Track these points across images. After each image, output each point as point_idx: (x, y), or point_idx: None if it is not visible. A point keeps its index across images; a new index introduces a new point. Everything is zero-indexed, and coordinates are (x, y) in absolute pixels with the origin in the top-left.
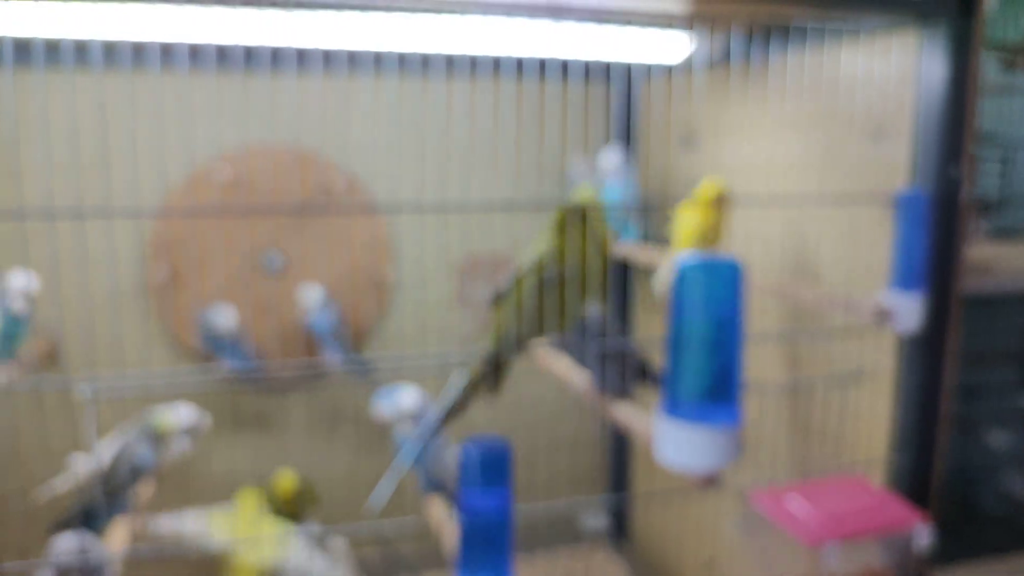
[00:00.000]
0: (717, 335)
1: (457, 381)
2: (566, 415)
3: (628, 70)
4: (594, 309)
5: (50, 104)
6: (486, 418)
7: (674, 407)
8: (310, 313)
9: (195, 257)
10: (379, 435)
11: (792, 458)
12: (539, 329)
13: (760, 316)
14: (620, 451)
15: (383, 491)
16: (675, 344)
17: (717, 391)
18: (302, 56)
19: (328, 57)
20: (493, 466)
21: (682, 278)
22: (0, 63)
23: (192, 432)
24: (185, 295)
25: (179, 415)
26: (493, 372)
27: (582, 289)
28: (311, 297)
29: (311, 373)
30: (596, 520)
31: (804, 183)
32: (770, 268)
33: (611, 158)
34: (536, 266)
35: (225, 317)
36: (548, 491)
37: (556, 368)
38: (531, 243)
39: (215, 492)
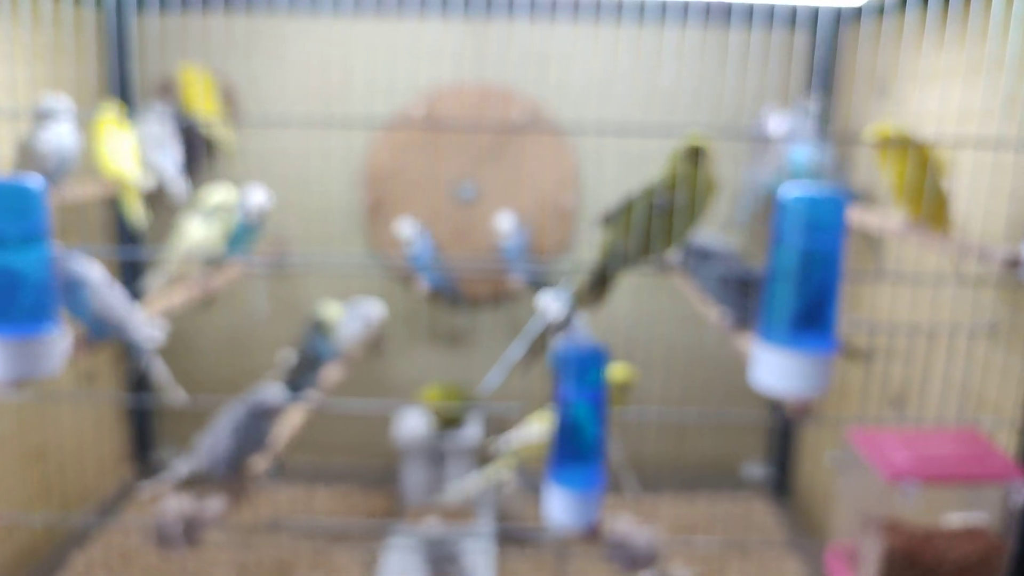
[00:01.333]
0: (815, 266)
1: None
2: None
3: (830, 14)
4: (725, 242)
5: (297, 46)
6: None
7: (770, 333)
8: (503, 238)
9: (398, 187)
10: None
11: (910, 405)
12: (646, 249)
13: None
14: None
15: (494, 379)
16: (775, 272)
17: (812, 319)
18: (511, 3)
19: (533, 4)
20: (588, 366)
21: (784, 208)
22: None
23: (363, 320)
24: (390, 221)
25: (351, 306)
26: (598, 285)
27: (688, 217)
28: (504, 223)
29: (503, 290)
30: (756, 469)
31: (987, 130)
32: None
33: (810, 104)
34: (647, 192)
35: (411, 230)
36: (714, 436)
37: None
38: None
39: (409, 392)
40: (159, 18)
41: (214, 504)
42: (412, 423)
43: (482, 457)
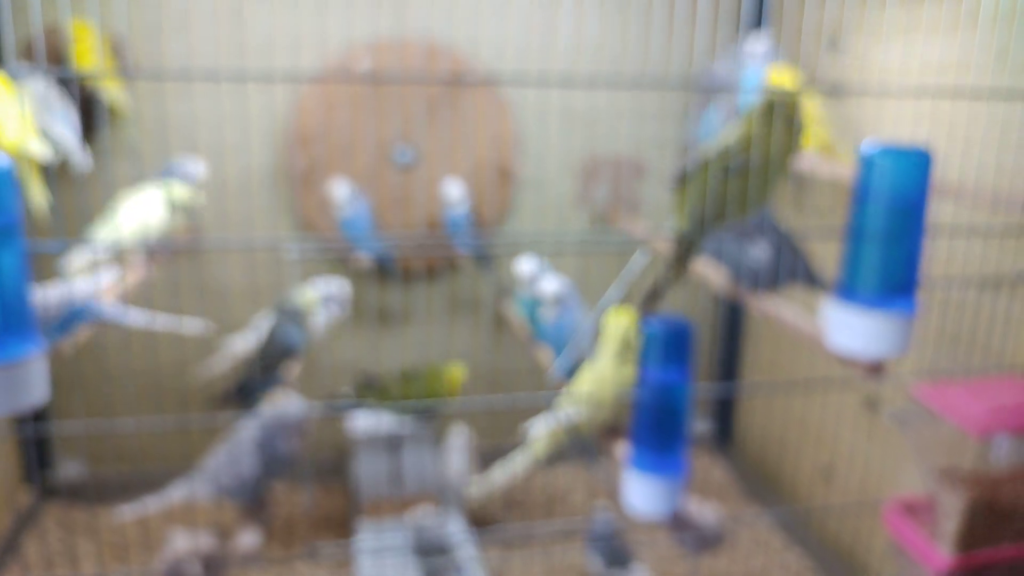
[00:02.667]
0: (901, 223)
1: (637, 260)
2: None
3: None
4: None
5: None
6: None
7: (851, 293)
8: (450, 206)
9: (328, 150)
10: (500, 322)
11: (946, 357)
12: (722, 214)
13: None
14: (729, 354)
15: (563, 364)
16: (857, 231)
17: (896, 280)
18: None
19: None
20: (674, 343)
21: (869, 164)
22: None
23: (338, 302)
24: (319, 188)
25: (328, 291)
26: (683, 252)
27: (767, 180)
28: (452, 191)
29: (442, 261)
30: (699, 423)
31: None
32: None
33: (757, 45)
34: (723, 152)
35: (344, 192)
36: None
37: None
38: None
39: (346, 377)
40: None
41: (248, 538)
42: (366, 413)
43: (440, 441)
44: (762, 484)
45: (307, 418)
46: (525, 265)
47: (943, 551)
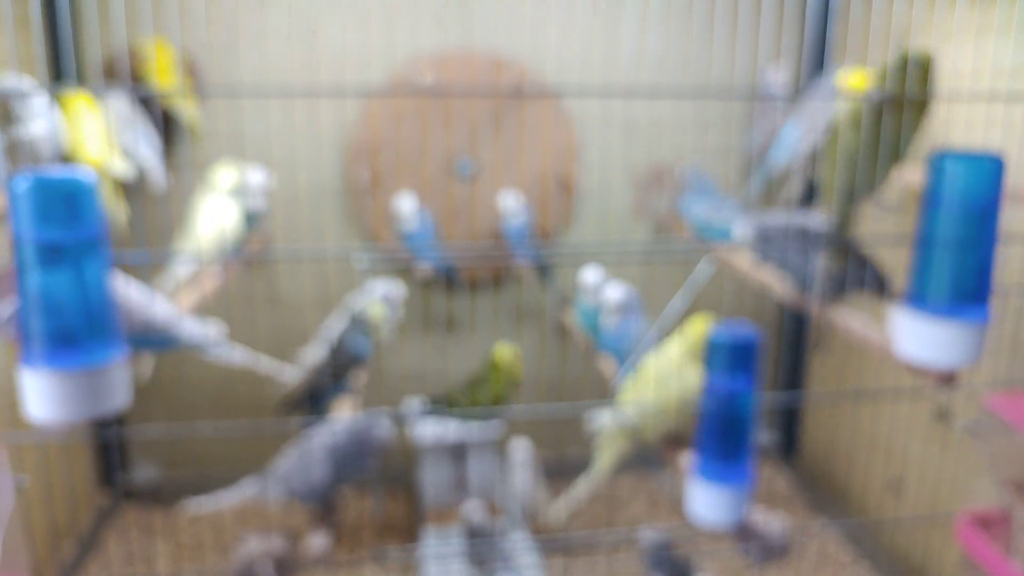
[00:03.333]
0: (974, 230)
1: (703, 269)
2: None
3: None
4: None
5: (263, 12)
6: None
7: (923, 302)
8: (508, 217)
9: (393, 162)
10: (561, 331)
11: (1020, 367)
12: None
13: None
14: (794, 363)
15: (622, 376)
16: (928, 238)
17: (969, 288)
18: None
19: None
20: (741, 352)
21: (940, 171)
22: None
23: (392, 303)
24: (384, 199)
25: (385, 293)
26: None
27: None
28: (510, 202)
29: (504, 271)
30: (762, 434)
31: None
32: None
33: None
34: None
35: (410, 206)
36: None
37: (743, 268)
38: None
39: (412, 384)
40: None
41: (318, 541)
42: (431, 421)
43: (503, 451)
44: (828, 496)
45: (386, 433)
46: (590, 274)
47: (1018, 566)
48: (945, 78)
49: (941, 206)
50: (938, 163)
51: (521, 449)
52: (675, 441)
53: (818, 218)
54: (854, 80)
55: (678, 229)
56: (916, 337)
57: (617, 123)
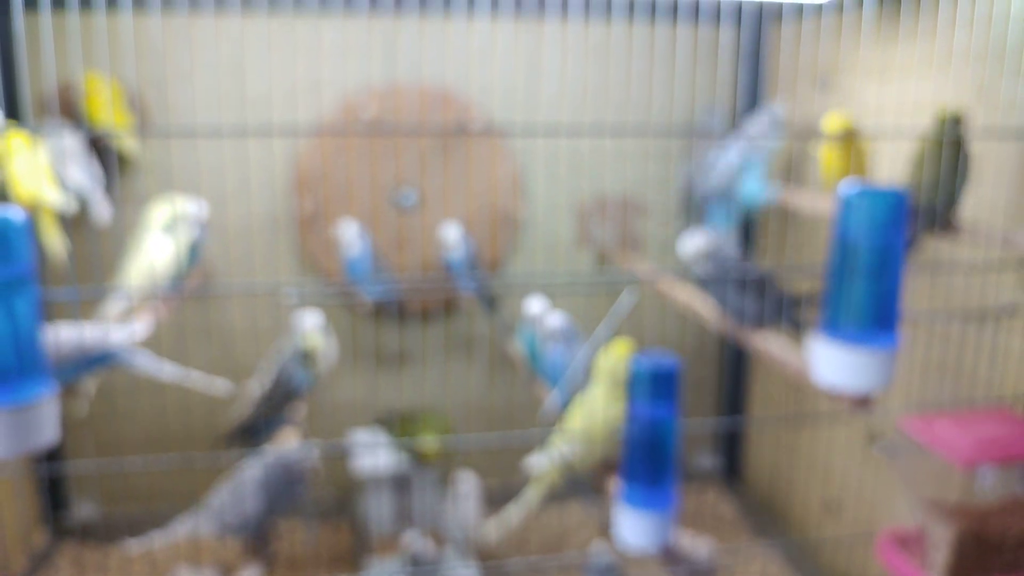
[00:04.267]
0: (881, 261)
1: (626, 299)
2: (685, 350)
3: (754, 10)
4: (734, 243)
5: (216, 46)
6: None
7: (835, 329)
8: (449, 249)
9: (337, 192)
10: (506, 361)
11: (933, 389)
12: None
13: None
14: (735, 391)
15: (558, 399)
16: (838, 269)
17: (878, 315)
18: None
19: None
20: (662, 380)
21: (847, 205)
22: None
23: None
24: (327, 230)
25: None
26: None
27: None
28: (450, 234)
29: (445, 303)
30: (706, 459)
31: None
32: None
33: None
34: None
35: (352, 232)
36: None
37: (681, 298)
38: None
39: (353, 415)
40: (48, 18)
41: (250, 574)
42: (372, 452)
43: (445, 481)
44: (770, 519)
45: (311, 462)
46: (534, 304)
47: None
48: (869, 114)
49: (849, 238)
50: (845, 197)
51: (466, 481)
52: (607, 467)
53: (733, 245)
54: (835, 123)
55: (618, 258)
56: (830, 363)
57: (559, 155)
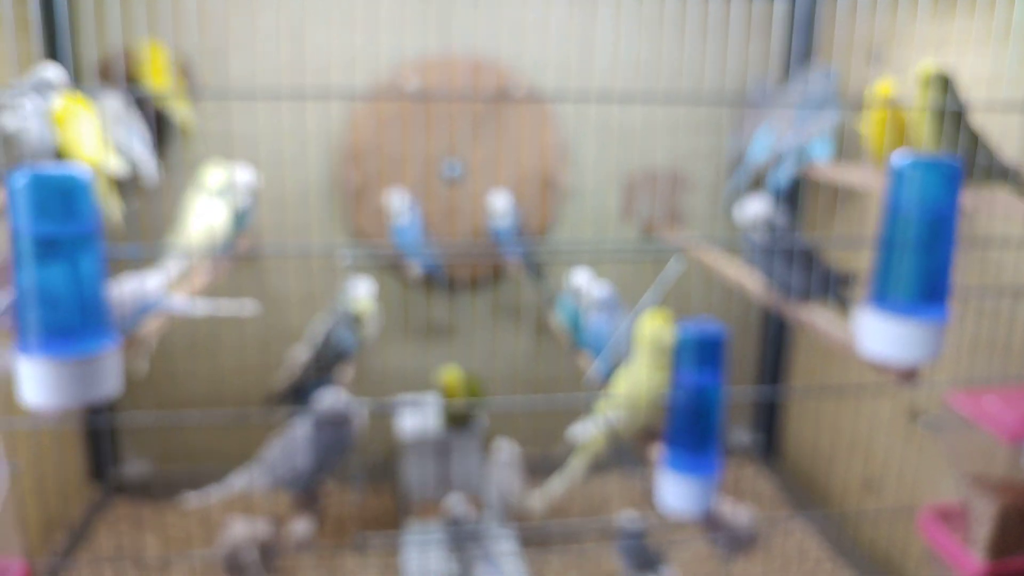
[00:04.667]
0: (933, 233)
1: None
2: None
3: None
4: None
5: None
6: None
7: (884, 301)
8: (497, 217)
9: (381, 164)
10: (544, 329)
11: (980, 365)
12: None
13: None
14: (776, 364)
15: (601, 368)
16: (889, 240)
17: (928, 288)
18: None
19: None
20: (708, 347)
21: (900, 176)
22: None
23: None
24: (371, 202)
25: (367, 289)
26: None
27: None
28: (498, 203)
29: (493, 271)
30: (745, 435)
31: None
32: None
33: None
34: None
35: (401, 201)
36: None
37: (727, 270)
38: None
39: (399, 382)
40: None
41: (302, 526)
42: (415, 416)
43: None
44: (805, 494)
45: (356, 410)
46: (580, 275)
47: (976, 557)
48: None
49: (901, 209)
50: (898, 168)
51: (505, 449)
52: (649, 435)
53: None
54: (883, 88)
55: (660, 230)
56: (878, 335)
57: (598, 124)
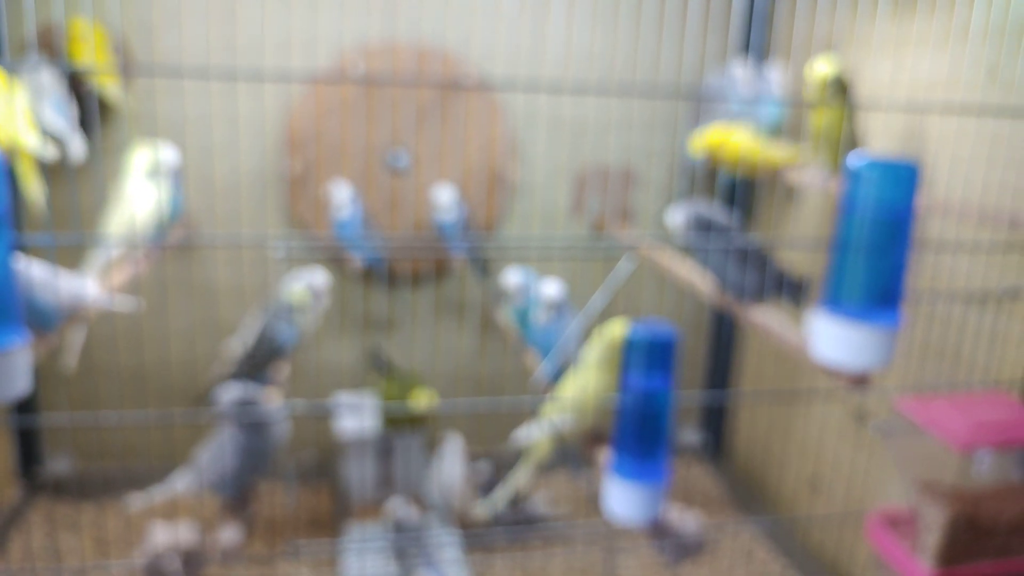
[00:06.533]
0: (888, 236)
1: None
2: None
3: None
4: (729, 214)
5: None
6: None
7: (837, 305)
8: (440, 211)
9: (327, 152)
10: (490, 326)
11: (931, 371)
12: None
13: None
14: (724, 365)
15: (549, 368)
16: (843, 242)
17: (882, 292)
18: None
19: None
20: (658, 350)
21: (856, 177)
22: None
23: (316, 292)
24: (314, 191)
25: (309, 282)
26: None
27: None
28: (443, 196)
29: (436, 266)
30: (692, 434)
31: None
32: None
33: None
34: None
35: (343, 194)
36: None
37: (678, 271)
38: None
39: (337, 379)
40: None
41: (229, 532)
42: (354, 416)
43: (430, 447)
44: (752, 495)
45: (283, 419)
46: (512, 276)
47: (924, 565)
48: (867, 87)
49: (856, 211)
50: (855, 169)
51: (452, 443)
52: (596, 438)
53: (721, 212)
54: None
55: (609, 227)
56: (830, 340)
57: (548, 118)
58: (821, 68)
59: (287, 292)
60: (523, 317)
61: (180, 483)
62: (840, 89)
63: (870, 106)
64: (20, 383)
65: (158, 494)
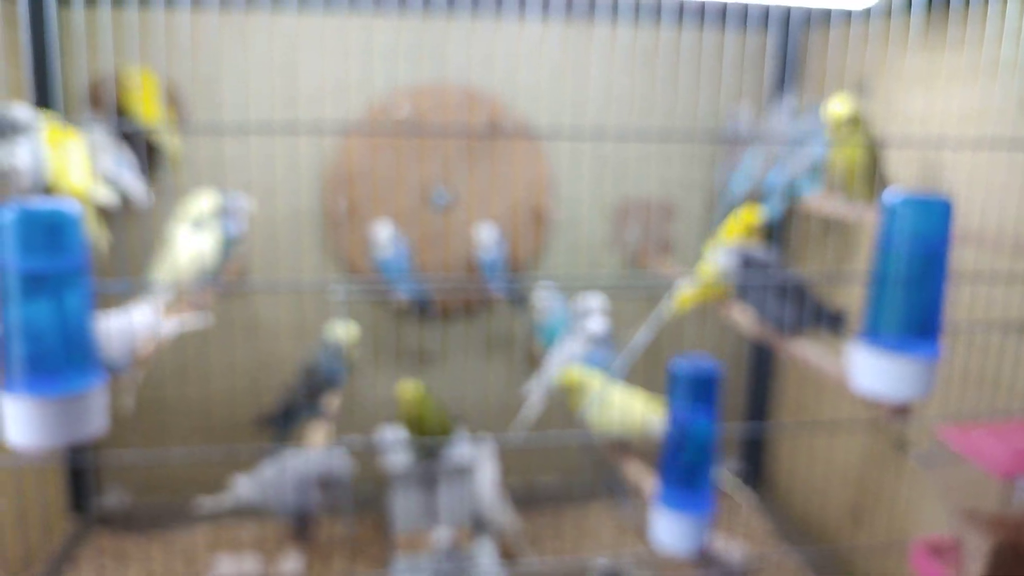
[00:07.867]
0: (925, 269)
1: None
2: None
3: (801, 16)
4: (771, 250)
5: (246, 45)
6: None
7: (876, 337)
8: (483, 249)
9: (370, 192)
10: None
11: (970, 400)
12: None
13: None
14: (763, 397)
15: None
16: (881, 276)
17: (920, 324)
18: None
19: (499, 1)
20: (702, 384)
21: (892, 212)
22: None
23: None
24: (360, 228)
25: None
26: None
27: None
28: (484, 235)
29: (477, 301)
30: (732, 465)
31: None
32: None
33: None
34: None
35: (386, 233)
36: None
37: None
38: None
39: (385, 411)
40: (84, 11)
41: (291, 564)
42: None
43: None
44: (793, 526)
45: (346, 468)
46: (540, 295)
47: None
48: (899, 121)
49: (893, 245)
50: (890, 204)
51: (485, 459)
52: (622, 448)
53: (762, 250)
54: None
55: (647, 261)
56: (870, 371)
57: (587, 156)
58: (836, 107)
59: (339, 331)
60: (549, 336)
61: (243, 489)
62: (855, 127)
63: (890, 143)
64: (98, 422)
65: (226, 502)
